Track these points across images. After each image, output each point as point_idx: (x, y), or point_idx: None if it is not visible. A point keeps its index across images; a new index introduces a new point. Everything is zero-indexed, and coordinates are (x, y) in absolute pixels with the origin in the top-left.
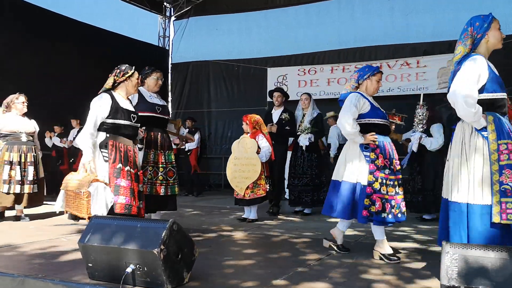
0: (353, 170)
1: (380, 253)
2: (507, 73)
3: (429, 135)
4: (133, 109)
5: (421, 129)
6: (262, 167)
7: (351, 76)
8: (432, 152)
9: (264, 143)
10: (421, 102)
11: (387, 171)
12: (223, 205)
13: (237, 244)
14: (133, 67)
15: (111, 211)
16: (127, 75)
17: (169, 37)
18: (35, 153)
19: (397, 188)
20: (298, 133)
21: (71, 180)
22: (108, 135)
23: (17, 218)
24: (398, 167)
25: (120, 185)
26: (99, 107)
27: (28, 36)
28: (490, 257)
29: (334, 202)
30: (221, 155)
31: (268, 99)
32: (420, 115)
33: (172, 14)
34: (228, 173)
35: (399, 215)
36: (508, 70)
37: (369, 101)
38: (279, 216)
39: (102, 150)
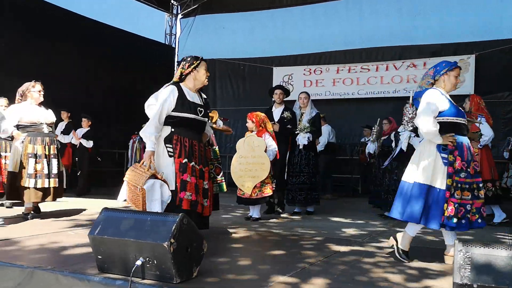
0: (427, 172)
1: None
2: None
3: (417, 135)
4: (200, 103)
5: (410, 128)
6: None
7: (425, 72)
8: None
9: (271, 142)
10: (410, 101)
11: (463, 174)
12: (227, 203)
13: (242, 241)
14: (200, 57)
15: (172, 207)
16: (192, 66)
17: (175, 35)
18: (57, 145)
19: (475, 191)
20: (296, 132)
21: (132, 173)
22: (173, 129)
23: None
24: (478, 169)
25: (187, 180)
26: (165, 100)
27: (28, 36)
28: (503, 256)
29: (403, 205)
30: (226, 154)
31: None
32: (409, 114)
33: (179, 12)
34: (232, 172)
35: (479, 220)
36: None
37: (447, 98)
38: (282, 215)
39: (167, 145)
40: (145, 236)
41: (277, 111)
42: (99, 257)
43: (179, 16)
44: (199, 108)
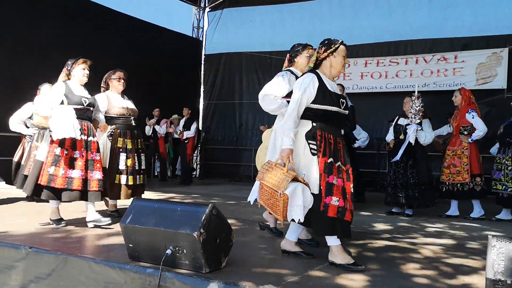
0: None
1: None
2: None
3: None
4: (340, 93)
5: (418, 121)
6: None
7: None
8: (421, 146)
9: None
10: (416, 94)
11: None
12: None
13: (270, 234)
14: (340, 40)
15: (315, 213)
16: (330, 51)
17: (203, 28)
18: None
19: None
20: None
21: (268, 173)
22: (314, 124)
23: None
24: None
25: (333, 183)
26: (304, 90)
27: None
28: None
29: None
30: (252, 147)
31: None
32: (416, 107)
33: (206, 5)
34: (258, 162)
35: None
36: None
37: None
38: None
39: (309, 141)
40: (175, 226)
41: None
42: (130, 245)
43: (207, 9)
44: (341, 99)
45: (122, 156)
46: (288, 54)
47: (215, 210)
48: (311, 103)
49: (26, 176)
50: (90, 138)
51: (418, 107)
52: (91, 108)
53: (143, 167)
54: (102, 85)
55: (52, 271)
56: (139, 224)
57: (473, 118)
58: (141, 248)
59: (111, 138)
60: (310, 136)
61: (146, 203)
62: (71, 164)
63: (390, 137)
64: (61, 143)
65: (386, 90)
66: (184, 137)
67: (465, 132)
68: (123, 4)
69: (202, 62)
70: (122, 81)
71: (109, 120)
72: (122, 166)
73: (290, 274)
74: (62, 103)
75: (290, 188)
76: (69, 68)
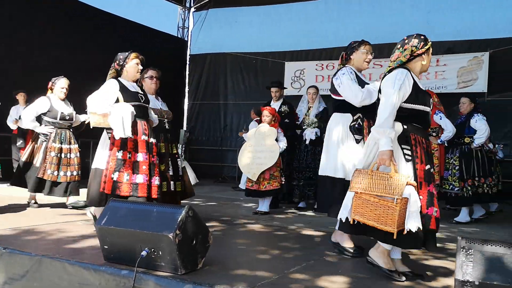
0: None
1: None
2: None
3: None
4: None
5: None
6: (278, 160)
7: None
8: None
9: (282, 137)
10: None
11: None
12: (236, 196)
13: (250, 235)
14: (423, 36)
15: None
16: (426, 47)
17: (188, 28)
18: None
19: None
20: (304, 127)
21: (367, 182)
22: (405, 126)
23: None
24: None
25: (433, 193)
26: (400, 86)
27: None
28: (506, 253)
29: None
30: (236, 148)
31: (285, 93)
32: None
33: (192, 5)
34: (240, 160)
35: None
36: None
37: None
38: (291, 210)
39: (403, 146)
40: (151, 227)
41: (275, 105)
42: (105, 247)
43: (192, 9)
44: (428, 98)
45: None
46: (343, 52)
47: (192, 212)
48: (404, 102)
49: (40, 179)
50: (151, 140)
51: None
52: (148, 106)
53: (180, 172)
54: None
55: (26, 272)
56: (115, 226)
57: (441, 119)
58: (116, 250)
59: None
60: (403, 140)
61: (122, 204)
62: (135, 169)
63: None
64: (123, 145)
65: None
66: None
67: (434, 134)
68: (107, 3)
69: (187, 62)
70: (155, 79)
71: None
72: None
73: (267, 275)
74: (117, 101)
75: (406, 191)
76: (121, 63)
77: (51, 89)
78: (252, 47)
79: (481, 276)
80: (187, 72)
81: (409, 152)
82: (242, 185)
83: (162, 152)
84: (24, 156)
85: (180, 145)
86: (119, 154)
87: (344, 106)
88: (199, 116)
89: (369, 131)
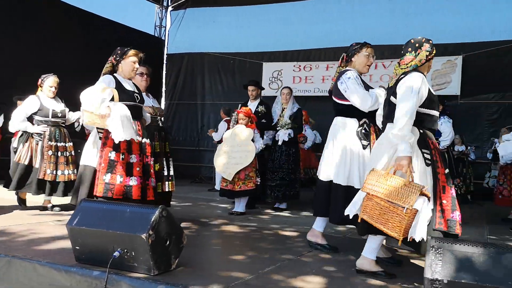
0: None
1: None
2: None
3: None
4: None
5: None
6: (254, 157)
7: None
8: None
9: (258, 137)
10: None
11: None
12: (212, 197)
13: (225, 236)
14: (431, 41)
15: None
16: (433, 53)
17: (165, 27)
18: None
19: None
20: (278, 128)
21: (380, 184)
22: (421, 130)
23: None
24: None
25: (454, 197)
26: (418, 90)
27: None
28: (474, 252)
29: None
30: (213, 148)
31: (263, 93)
32: None
33: (169, 4)
34: (216, 160)
35: None
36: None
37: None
38: (267, 211)
39: (423, 150)
40: (123, 228)
41: (251, 106)
42: (77, 247)
43: (170, 8)
44: (438, 103)
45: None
46: (344, 54)
47: (165, 212)
48: (419, 106)
49: (40, 180)
50: (144, 140)
51: None
52: (142, 105)
53: (171, 172)
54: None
55: None
56: (86, 226)
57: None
58: (88, 251)
59: None
60: (423, 144)
61: (94, 204)
62: (128, 171)
63: None
64: (116, 146)
65: None
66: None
67: None
68: (83, 0)
69: (164, 62)
70: (145, 76)
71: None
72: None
73: (242, 275)
74: (112, 99)
75: (418, 202)
76: (117, 58)
77: (41, 87)
78: (230, 47)
79: (450, 275)
80: (164, 72)
81: (429, 156)
82: (217, 186)
83: (156, 151)
84: (23, 159)
85: None
86: (112, 155)
87: (349, 111)
88: (176, 116)
89: (377, 137)
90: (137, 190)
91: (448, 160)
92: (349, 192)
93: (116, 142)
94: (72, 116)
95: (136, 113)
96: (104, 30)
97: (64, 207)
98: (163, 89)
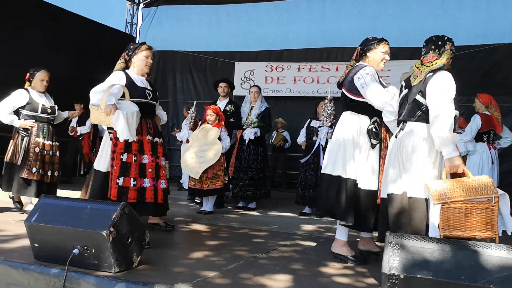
0: None
1: None
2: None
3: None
4: None
5: (329, 124)
6: (222, 156)
7: None
8: None
9: (226, 136)
10: (329, 97)
11: None
12: (181, 196)
13: (191, 234)
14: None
15: None
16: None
17: (136, 24)
18: None
19: None
20: (244, 127)
21: (450, 188)
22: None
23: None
24: None
25: None
26: (453, 90)
27: None
28: (430, 248)
29: None
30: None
31: (235, 93)
32: (328, 110)
33: (141, 1)
34: (183, 160)
35: None
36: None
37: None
38: (235, 210)
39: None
40: (84, 224)
41: (221, 104)
42: (36, 245)
43: (141, 5)
44: None
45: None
46: (358, 48)
47: (127, 209)
48: None
49: (25, 180)
50: (156, 139)
51: (330, 111)
52: (155, 103)
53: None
54: None
55: None
56: (46, 223)
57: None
58: (47, 248)
59: None
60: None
61: (54, 200)
62: (141, 172)
63: (301, 138)
64: (127, 147)
65: (317, 94)
66: (78, 133)
67: None
68: None
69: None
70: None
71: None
72: None
73: (205, 273)
74: (122, 96)
75: (499, 191)
76: (129, 53)
77: (29, 81)
78: (202, 46)
79: (406, 270)
80: None
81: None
82: (185, 185)
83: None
84: (7, 156)
85: None
86: (124, 157)
87: (361, 107)
88: None
89: (389, 136)
90: (150, 192)
91: None
92: (349, 186)
93: (121, 141)
94: (61, 114)
95: (148, 110)
96: (74, 26)
97: None
98: None
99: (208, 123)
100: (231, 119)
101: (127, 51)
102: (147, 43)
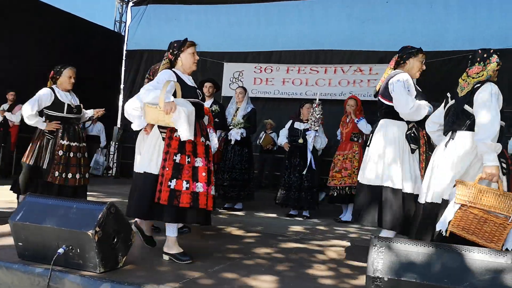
0: None
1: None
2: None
3: None
4: None
5: (316, 128)
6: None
7: None
8: (315, 150)
9: (214, 137)
10: (317, 101)
11: None
12: None
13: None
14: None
15: None
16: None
17: (125, 23)
18: None
19: None
20: (230, 127)
21: (476, 194)
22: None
23: None
24: None
25: None
26: (498, 99)
27: None
28: (414, 251)
29: None
30: None
31: (223, 93)
32: (316, 114)
33: None
34: None
35: None
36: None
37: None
38: (221, 211)
39: (501, 159)
40: (69, 224)
41: (205, 104)
42: (20, 244)
43: (130, 3)
44: None
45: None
46: (397, 55)
47: (114, 209)
48: None
49: (49, 184)
50: (208, 142)
51: (319, 115)
52: (204, 104)
53: None
54: (147, 76)
55: None
56: (30, 222)
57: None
58: (31, 247)
59: None
60: (500, 153)
61: (39, 199)
62: (194, 176)
63: (283, 139)
64: (181, 147)
65: (306, 96)
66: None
67: (355, 139)
68: None
69: (124, 58)
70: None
71: None
72: None
73: (191, 273)
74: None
75: None
76: (175, 52)
77: (55, 79)
78: None
79: (390, 273)
80: (123, 68)
81: (505, 166)
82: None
83: None
84: (28, 158)
85: (113, 143)
86: (177, 158)
87: (398, 113)
88: None
89: (426, 141)
90: (204, 198)
91: None
92: (397, 195)
93: (184, 139)
94: (86, 113)
95: (199, 111)
96: (62, 23)
97: None
98: (122, 85)
99: None
100: (216, 119)
101: (171, 50)
102: (136, 41)
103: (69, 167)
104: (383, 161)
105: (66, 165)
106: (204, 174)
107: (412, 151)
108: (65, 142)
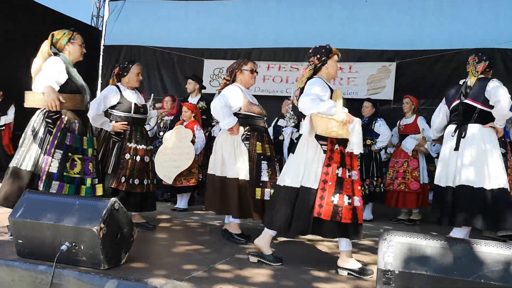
0: None
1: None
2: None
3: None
4: None
5: (293, 124)
6: (196, 156)
7: None
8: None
9: (200, 133)
10: (291, 98)
11: None
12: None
13: (170, 231)
14: None
15: None
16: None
17: (103, 17)
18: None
19: None
20: (213, 124)
21: None
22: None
23: None
24: None
25: None
26: None
27: None
28: (423, 244)
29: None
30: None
31: (204, 90)
32: (291, 111)
33: None
34: (156, 162)
35: None
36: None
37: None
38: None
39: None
40: (73, 221)
41: (192, 101)
42: (20, 241)
43: None
44: None
45: (264, 165)
46: (486, 62)
47: (118, 204)
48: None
49: (114, 190)
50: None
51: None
52: None
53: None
54: (225, 76)
55: None
56: (31, 218)
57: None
58: (32, 244)
59: (247, 142)
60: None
61: (39, 195)
62: (353, 190)
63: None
64: (342, 161)
65: (286, 94)
66: (1, 124)
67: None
68: None
69: (101, 53)
70: (255, 74)
71: (243, 119)
72: (265, 177)
73: (194, 269)
74: None
75: None
76: (323, 58)
77: (121, 76)
78: (170, 42)
79: (401, 265)
80: (100, 63)
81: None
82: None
83: (267, 155)
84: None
85: None
86: (339, 172)
87: (490, 118)
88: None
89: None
90: (361, 212)
91: (379, 160)
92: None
93: (356, 152)
94: (151, 114)
95: None
96: (36, 16)
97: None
98: (99, 81)
99: (184, 120)
100: (203, 116)
101: (318, 55)
102: (113, 37)
103: (136, 172)
104: (478, 162)
105: (133, 170)
106: (359, 188)
107: (503, 154)
108: (132, 145)
